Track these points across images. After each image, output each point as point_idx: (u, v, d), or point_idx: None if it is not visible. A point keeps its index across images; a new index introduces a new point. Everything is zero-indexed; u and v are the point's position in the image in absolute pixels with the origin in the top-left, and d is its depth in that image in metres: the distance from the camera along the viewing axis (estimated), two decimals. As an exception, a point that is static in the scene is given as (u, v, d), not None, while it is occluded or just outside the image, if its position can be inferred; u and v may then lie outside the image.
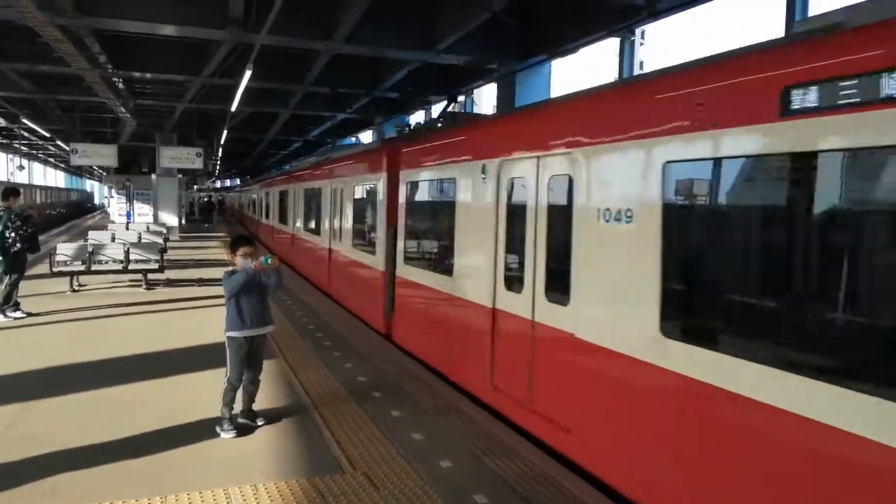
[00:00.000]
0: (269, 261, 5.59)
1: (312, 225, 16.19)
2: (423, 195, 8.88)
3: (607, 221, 4.66)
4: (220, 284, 5.73)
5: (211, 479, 4.70)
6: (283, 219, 21.46)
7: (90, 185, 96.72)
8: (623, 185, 4.59)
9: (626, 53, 13.54)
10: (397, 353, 8.61)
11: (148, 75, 18.67)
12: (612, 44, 13.72)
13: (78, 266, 13.30)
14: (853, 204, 3.26)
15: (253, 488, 4.55)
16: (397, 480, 4.73)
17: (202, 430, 5.64)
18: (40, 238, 12.09)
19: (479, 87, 18.46)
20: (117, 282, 14.30)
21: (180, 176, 31.27)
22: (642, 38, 13.48)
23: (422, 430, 5.75)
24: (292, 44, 14.46)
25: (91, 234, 17.55)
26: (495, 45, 14.31)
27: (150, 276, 13.96)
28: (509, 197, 6.21)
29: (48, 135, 32.76)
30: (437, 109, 23.14)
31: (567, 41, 12.38)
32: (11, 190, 10.90)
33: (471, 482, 4.72)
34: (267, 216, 26.81)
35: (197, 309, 11.53)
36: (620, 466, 4.56)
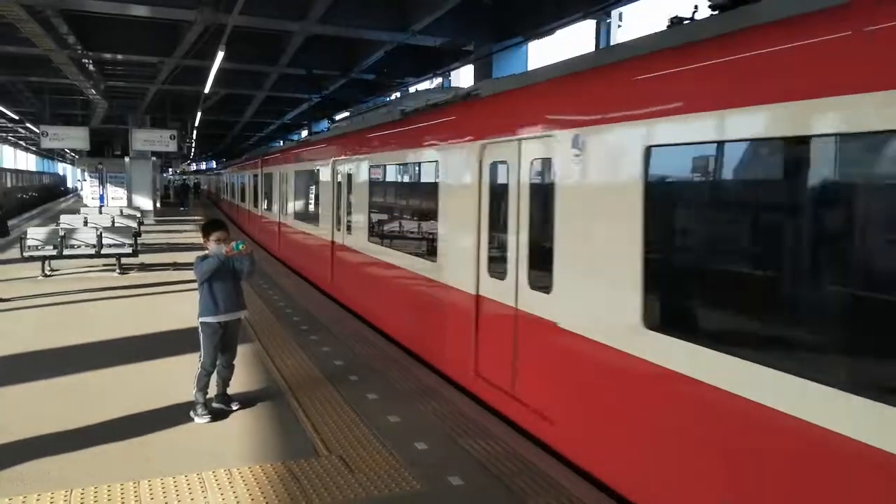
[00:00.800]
0: (241, 246, 5.55)
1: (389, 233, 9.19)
2: None
3: None
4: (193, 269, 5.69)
5: (185, 464, 4.68)
6: (311, 216, 13.31)
7: (62, 168, 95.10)
8: None
9: (603, 35, 13.53)
10: (373, 336, 8.61)
11: (119, 56, 18.37)
12: (589, 25, 13.72)
13: (50, 250, 13.10)
14: None
15: (227, 473, 4.55)
16: (372, 462, 4.75)
17: (176, 416, 5.61)
18: (11, 223, 11.88)
19: (455, 68, 18.38)
20: (90, 266, 14.11)
21: (154, 159, 30.83)
22: (620, 19, 13.46)
23: (397, 413, 5.77)
24: (265, 24, 14.30)
25: (63, 217, 17.26)
26: (471, 27, 14.25)
27: (123, 260, 13.80)
28: None
29: (17, 117, 32.11)
30: (414, 90, 23.03)
31: (543, 23, 12.35)
32: None
33: (445, 463, 4.76)
34: (268, 206, 18.88)
35: (171, 293, 11.44)
36: None
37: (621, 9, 12.73)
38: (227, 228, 5.90)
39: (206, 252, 5.64)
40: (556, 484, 4.46)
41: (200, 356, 5.68)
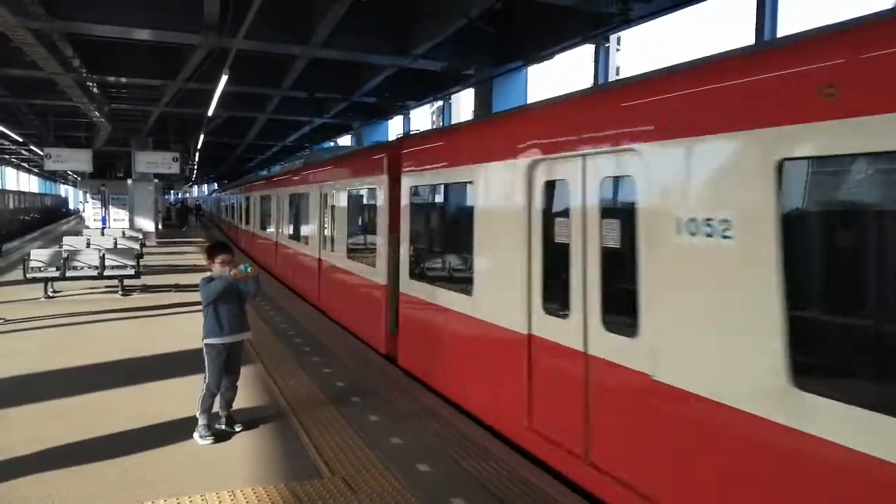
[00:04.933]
0: (248, 269, 5.61)
1: None
2: None
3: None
4: (197, 290, 5.73)
5: (188, 486, 4.69)
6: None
7: (64, 189, 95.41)
8: None
9: (602, 59, 13.69)
10: (375, 357, 8.64)
11: (123, 79, 18.52)
12: (589, 49, 13.89)
13: (52, 272, 13.15)
14: None
15: (231, 494, 4.56)
16: (375, 485, 4.76)
17: (179, 437, 5.63)
18: (13, 244, 11.93)
19: (456, 92, 18.57)
20: (93, 288, 14.15)
21: (156, 181, 30.97)
22: (618, 44, 13.63)
23: (400, 435, 5.79)
24: (269, 48, 14.45)
25: (66, 239, 17.35)
26: (472, 52, 14.42)
27: (126, 282, 13.84)
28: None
29: (21, 139, 32.30)
30: (416, 114, 23.26)
31: (542, 48, 12.51)
32: None
33: (448, 485, 4.77)
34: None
35: (173, 315, 11.46)
36: None
37: (620, 33, 12.91)
38: (232, 251, 5.96)
39: (211, 274, 5.69)
40: (558, 506, 4.47)
41: (205, 378, 5.70)
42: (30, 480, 4.77)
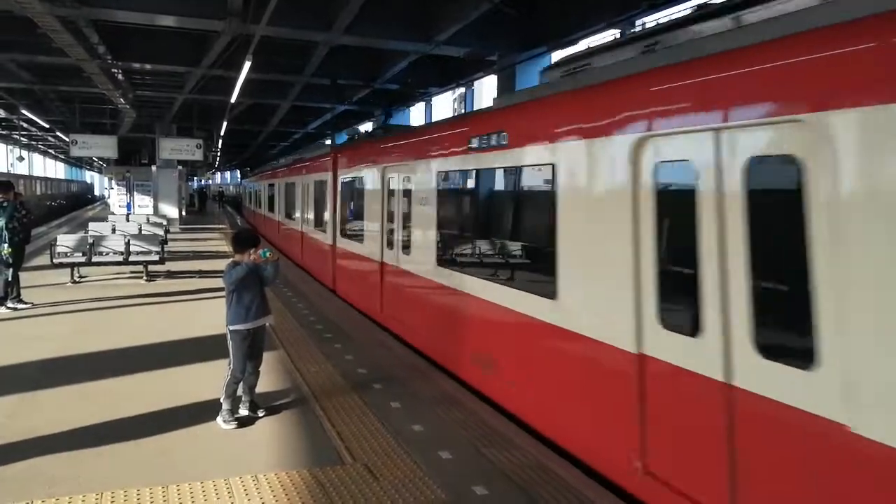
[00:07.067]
0: (268, 254, 5.66)
1: None
2: None
3: None
4: (220, 276, 5.76)
5: (212, 470, 4.74)
6: None
7: (90, 176, 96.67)
8: None
9: (627, 45, 13.49)
10: (397, 346, 8.65)
11: (147, 66, 18.65)
12: (613, 34, 13.69)
13: (78, 257, 13.32)
14: None
15: (254, 479, 4.60)
16: (397, 471, 4.77)
17: (204, 422, 5.68)
18: (40, 229, 12.08)
19: (479, 78, 18.45)
20: (118, 273, 14.32)
21: (180, 168, 31.22)
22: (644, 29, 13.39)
23: (421, 422, 5.79)
24: (291, 35, 14.47)
25: (91, 225, 17.56)
26: (495, 37, 14.31)
27: (150, 267, 13.98)
28: None
29: (47, 126, 32.75)
30: (437, 101, 23.17)
31: (567, 33, 12.36)
32: (9, 183, 10.89)
33: (470, 473, 4.77)
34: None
35: (197, 301, 11.57)
36: None
37: (645, 18, 12.70)
38: (258, 241, 5.98)
39: (235, 259, 5.72)
40: (579, 494, 4.44)
41: (230, 363, 5.74)
42: (57, 460, 4.85)
